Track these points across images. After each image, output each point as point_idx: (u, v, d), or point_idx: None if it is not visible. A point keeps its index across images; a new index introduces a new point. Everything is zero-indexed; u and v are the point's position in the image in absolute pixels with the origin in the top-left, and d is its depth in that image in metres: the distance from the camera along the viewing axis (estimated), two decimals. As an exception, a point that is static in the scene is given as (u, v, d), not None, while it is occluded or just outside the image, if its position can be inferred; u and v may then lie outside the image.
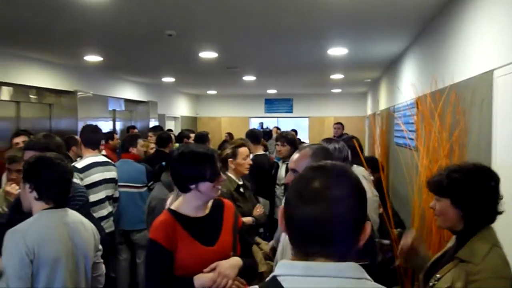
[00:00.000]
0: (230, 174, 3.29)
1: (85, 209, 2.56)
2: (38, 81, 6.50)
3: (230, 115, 14.07)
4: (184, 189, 1.99)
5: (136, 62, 7.06)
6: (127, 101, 9.67)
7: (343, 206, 0.99)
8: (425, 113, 3.74)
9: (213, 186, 1.97)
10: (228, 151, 3.33)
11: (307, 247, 1.01)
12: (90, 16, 4.04)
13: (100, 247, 2.25)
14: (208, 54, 6.05)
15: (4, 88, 6.06)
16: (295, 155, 2.15)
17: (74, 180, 2.51)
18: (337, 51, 5.80)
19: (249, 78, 9.07)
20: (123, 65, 7.48)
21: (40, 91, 6.83)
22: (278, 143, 4.75)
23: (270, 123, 13.46)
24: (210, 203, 2.09)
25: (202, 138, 5.44)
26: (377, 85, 9.52)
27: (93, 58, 6.34)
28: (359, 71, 8.12)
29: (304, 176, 1.06)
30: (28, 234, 1.84)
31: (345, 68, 7.66)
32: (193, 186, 1.96)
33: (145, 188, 4.43)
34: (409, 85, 4.93)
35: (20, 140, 4.08)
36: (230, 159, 3.30)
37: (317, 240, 1.00)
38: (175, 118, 12.47)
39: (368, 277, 1.00)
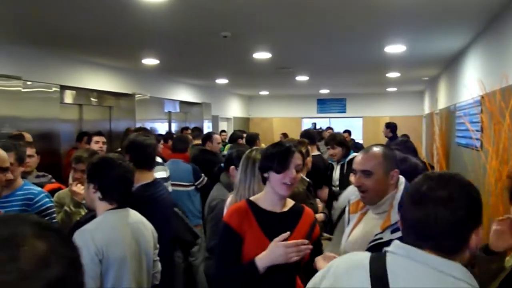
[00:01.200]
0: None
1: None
2: (99, 84, 6.77)
3: (282, 116, 14.02)
4: (263, 180, 2.04)
5: (191, 64, 7.18)
6: (182, 102, 9.88)
7: (448, 208, 1.12)
8: (493, 111, 3.52)
9: (280, 179, 1.95)
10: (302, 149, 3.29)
11: (414, 243, 1.17)
12: (149, 20, 4.14)
13: (158, 245, 2.27)
14: (261, 55, 6.04)
15: (68, 91, 6.35)
16: (360, 156, 2.08)
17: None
18: (395, 48, 5.60)
19: (302, 78, 8.99)
20: (178, 68, 7.63)
21: (100, 94, 7.11)
22: (329, 147, 4.67)
23: (322, 123, 13.27)
24: (289, 204, 2.07)
25: (252, 139, 5.48)
26: (435, 83, 9.13)
27: (150, 61, 6.51)
28: (417, 68, 7.82)
29: (416, 181, 1.23)
30: (96, 234, 1.88)
31: (402, 66, 7.40)
32: (266, 175, 2.00)
33: (193, 187, 4.52)
34: (474, 82, 4.67)
35: (100, 139, 4.33)
36: (308, 158, 3.28)
37: (422, 239, 1.15)
38: (227, 119, 12.60)
39: (473, 283, 1.10)
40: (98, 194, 1.99)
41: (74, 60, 6.15)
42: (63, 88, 6.00)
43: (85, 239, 1.85)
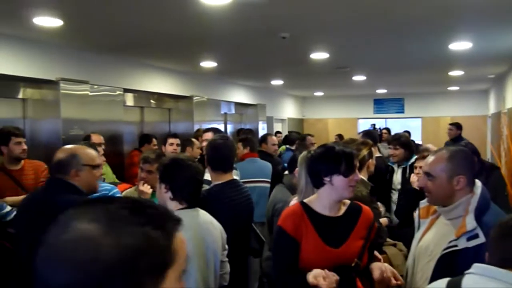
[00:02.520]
0: (362, 176, 3.20)
1: None
2: (159, 87, 6.98)
3: (337, 117, 13.82)
4: (318, 183, 1.99)
5: (248, 66, 7.25)
6: (237, 104, 9.99)
7: None
8: None
9: (347, 183, 1.92)
10: (364, 152, 3.19)
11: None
12: (210, 24, 4.21)
13: (226, 246, 2.30)
14: (319, 55, 5.98)
15: (130, 94, 6.60)
16: (430, 158, 2.01)
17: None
18: (460, 45, 5.36)
19: (359, 78, 8.82)
20: (235, 70, 7.72)
21: (160, 96, 7.33)
22: (391, 146, 4.52)
23: (377, 124, 12.93)
24: (345, 206, 2.03)
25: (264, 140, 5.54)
26: (502, 80, 8.64)
27: (208, 64, 6.63)
28: (483, 66, 7.44)
29: (506, 217, 1.40)
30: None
31: (467, 63, 7.06)
32: (327, 179, 1.95)
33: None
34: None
35: (175, 141, 4.49)
36: (370, 161, 3.20)
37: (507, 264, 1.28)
38: (282, 120, 12.59)
39: None
40: (169, 194, 2.04)
41: (137, 64, 6.38)
42: (126, 91, 6.23)
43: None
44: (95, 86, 5.49)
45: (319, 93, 13.05)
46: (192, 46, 5.39)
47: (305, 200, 2.05)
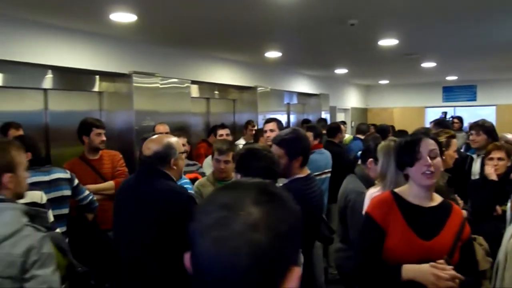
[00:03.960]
0: None
1: None
2: (224, 78, 7.08)
3: (403, 105, 13.33)
4: (406, 176, 1.96)
5: (313, 55, 7.15)
6: (300, 94, 9.91)
7: None
8: None
9: (417, 171, 1.84)
10: (442, 139, 3.04)
11: None
12: (277, 13, 4.18)
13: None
14: (387, 42, 5.78)
15: (197, 86, 6.74)
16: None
17: None
18: (545, 26, 4.96)
19: (428, 64, 8.43)
20: (299, 60, 7.65)
21: (225, 87, 7.43)
22: (473, 132, 4.28)
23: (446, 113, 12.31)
24: (437, 200, 1.95)
25: (384, 130, 5.30)
26: None
27: (273, 54, 6.62)
28: None
29: None
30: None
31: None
32: (405, 172, 1.92)
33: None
34: None
35: (224, 132, 4.51)
36: (448, 152, 3.05)
37: None
38: (345, 110, 12.35)
39: None
40: (245, 184, 2.05)
41: (203, 56, 6.50)
42: (193, 83, 6.37)
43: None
44: (165, 79, 5.65)
45: (384, 82, 12.65)
46: (257, 36, 5.40)
47: (396, 190, 1.99)
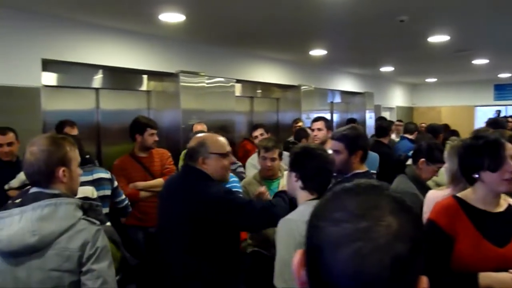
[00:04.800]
0: None
1: None
2: (268, 77, 7.07)
3: (451, 104, 12.86)
4: (470, 180, 1.84)
5: (359, 53, 7.02)
6: (343, 93, 9.77)
7: None
8: None
9: (498, 177, 1.73)
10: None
11: None
12: (323, 10, 4.13)
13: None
14: (438, 38, 5.58)
15: (241, 85, 6.76)
16: None
17: None
18: None
19: (480, 61, 8.09)
20: (345, 58, 7.52)
21: (268, 86, 7.42)
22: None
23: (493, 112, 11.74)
24: (503, 204, 1.84)
25: (435, 130, 5.10)
26: None
27: (318, 52, 6.55)
28: None
29: None
30: (301, 224, 1.89)
31: None
32: (476, 176, 1.80)
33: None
34: None
35: (258, 133, 4.46)
36: None
37: None
38: (390, 109, 12.06)
39: None
40: (300, 183, 2.02)
41: (248, 55, 6.52)
42: (237, 82, 6.40)
43: (290, 228, 1.89)
44: (211, 78, 5.70)
45: (431, 80, 12.24)
46: (303, 35, 5.35)
47: (458, 194, 1.89)
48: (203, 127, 4.54)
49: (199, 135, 2.44)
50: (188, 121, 5.20)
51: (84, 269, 1.62)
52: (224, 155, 2.35)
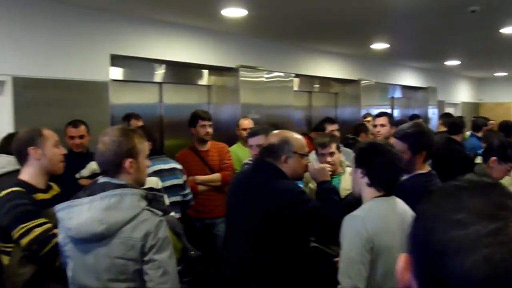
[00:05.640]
0: None
1: None
2: (326, 72, 6.96)
3: (522, 100, 12.07)
4: None
5: (424, 46, 6.75)
6: (404, 87, 9.44)
7: None
8: None
9: None
10: None
11: None
12: (387, 1, 4.00)
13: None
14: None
15: (299, 79, 6.69)
16: None
17: None
18: None
19: (557, 54, 7.53)
20: (408, 51, 7.26)
21: (326, 81, 7.30)
22: None
23: None
24: None
25: (508, 127, 4.79)
26: None
27: (379, 46, 6.36)
28: None
29: None
30: (367, 221, 1.86)
31: None
32: None
33: None
34: None
35: (333, 128, 4.37)
36: None
37: None
38: (454, 105, 11.50)
39: None
40: (366, 180, 1.96)
41: (307, 49, 6.44)
42: (296, 76, 6.35)
43: (356, 225, 1.85)
44: (270, 72, 5.70)
45: (501, 74, 11.53)
46: (365, 28, 5.21)
47: None
48: (250, 122, 4.57)
49: (278, 131, 2.41)
50: (247, 115, 5.23)
51: (146, 258, 1.66)
52: (304, 155, 2.33)
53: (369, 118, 6.26)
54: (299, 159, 2.30)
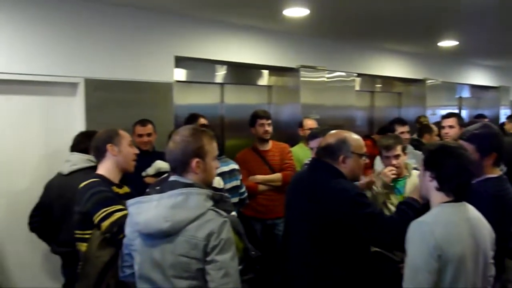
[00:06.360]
0: None
1: None
2: (389, 71, 6.76)
3: None
4: None
5: (497, 43, 6.34)
6: (474, 87, 8.96)
7: None
8: None
9: None
10: None
11: None
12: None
13: (494, 247, 2.00)
14: None
15: (361, 79, 6.54)
16: None
17: None
18: None
19: None
20: (479, 48, 6.86)
21: (389, 80, 7.09)
22: None
23: None
24: None
25: None
26: None
27: (448, 43, 6.08)
28: None
29: None
30: (436, 228, 1.77)
31: None
32: None
33: None
34: None
35: (404, 129, 4.21)
36: None
37: None
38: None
39: None
40: (435, 184, 1.87)
41: (369, 48, 6.28)
42: (358, 75, 6.22)
43: (423, 231, 1.77)
44: (331, 72, 5.62)
45: None
46: (433, 24, 5.00)
47: None
48: (314, 123, 4.50)
49: (335, 131, 2.37)
50: (307, 116, 5.18)
51: (208, 258, 1.67)
52: (362, 155, 2.28)
53: (423, 120, 6.02)
54: (357, 159, 2.24)
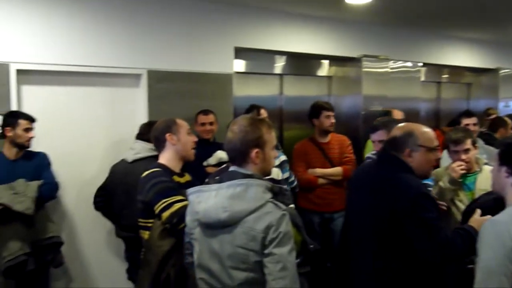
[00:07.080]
0: None
1: None
2: (458, 60, 6.41)
3: None
4: None
5: None
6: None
7: None
8: None
9: None
10: None
11: None
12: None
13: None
14: None
15: (426, 69, 6.22)
16: None
17: None
18: None
19: None
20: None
21: (457, 70, 6.73)
22: None
23: None
24: None
25: None
26: None
27: (524, 29, 5.65)
28: None
29: None
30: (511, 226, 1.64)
31: None
32: None
33: None
34: None
35: (470, 121, 3.97)
36: None
37: None
38: None
39: None
40: (511, 180, 1.73)
41: (436, 35, 5.97)
42: (423, 65, 5.95)
43: (499, 231, 1.64)
44: (395, 62, 5.41)
45: None
46: (506, 9, 4.64)
47: None
48: (400, 114, 4.35)
49: (404, 123, 2.27)
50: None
51: (266, 251, 1.65)
52: (432, 149, 2.15)
53: (492, 113, 5.64)
54: (426, 153, 2.10)
